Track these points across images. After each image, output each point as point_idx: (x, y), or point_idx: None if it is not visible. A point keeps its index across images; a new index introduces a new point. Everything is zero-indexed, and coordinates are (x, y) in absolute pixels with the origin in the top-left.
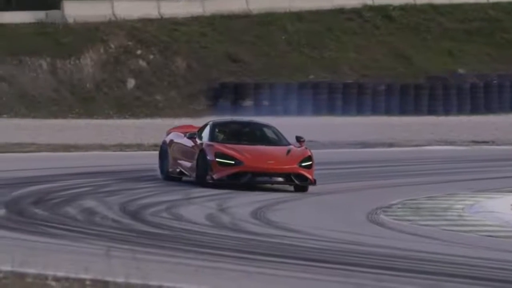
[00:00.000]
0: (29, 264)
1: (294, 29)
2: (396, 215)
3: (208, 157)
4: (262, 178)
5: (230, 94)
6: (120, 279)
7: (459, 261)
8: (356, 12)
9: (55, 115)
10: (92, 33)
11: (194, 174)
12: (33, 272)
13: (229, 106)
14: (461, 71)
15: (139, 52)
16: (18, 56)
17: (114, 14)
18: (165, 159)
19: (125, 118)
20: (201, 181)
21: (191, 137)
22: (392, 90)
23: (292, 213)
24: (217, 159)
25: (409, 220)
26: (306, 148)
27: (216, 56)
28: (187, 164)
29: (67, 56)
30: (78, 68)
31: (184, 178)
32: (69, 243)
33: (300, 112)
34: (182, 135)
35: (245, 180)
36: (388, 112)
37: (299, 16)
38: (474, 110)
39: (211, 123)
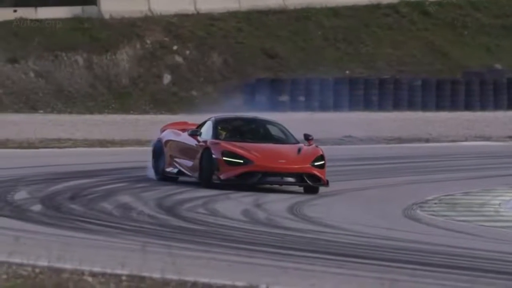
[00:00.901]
0: (65, 260)
1: (330, 25)
2: (432, 211)
3: (214, 156)
4: (273, 178)
5: (266, 89)
6: (156, 275)
7: (495, 256)
8: (393, 8)
9: (91, 111)
10: (128, 28)
11: (196, 174)
12: (69, 267)
13: (265, 102)
14: (497, 66)
15: (175, 47)
16: (54, 51)
17: (150, 10)
18: (160, 158)
19: (161, 113)
20: (206, 182)
21: (194, 134)
22: (428, 86)
23: (328, 209)
24: (224, 158)
25: (445, 216)
26: (317, 146)
27: (252, 52)
28: (188, 163)
29: (103, 51)
30: (114, 64)
31: (182, 178)
32: (105, 239)
33: (336, 107)
34: (180, 132)
35: (254, 180)
36: (424, 107)
37: (335, 12)
38: (511, 106)
39: (213, 119)
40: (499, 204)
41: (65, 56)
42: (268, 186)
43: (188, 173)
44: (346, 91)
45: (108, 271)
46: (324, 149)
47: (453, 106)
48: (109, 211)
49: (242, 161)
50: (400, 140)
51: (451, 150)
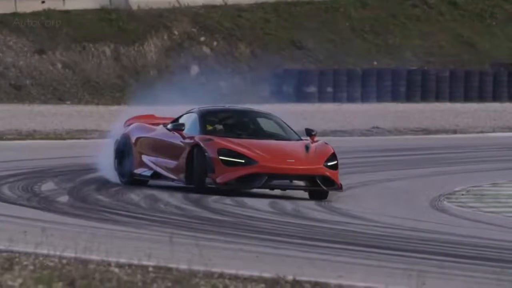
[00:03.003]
0: (92, 251)
1: (358, 16)
2: (460, 202)
3: (208, 155)
4: (280, 181)
5: (294, 80)
6: (183, 266)
7: None
8: None
9: (118, 102)
10: (155, 19)
11: (182, 176)
12: (96, 258)
13: (292, 93)
14: None
15: (202, 38)
16: (82, 43)
17: (178, 1)
18: (127, 157)
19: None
20: (197, 185)
21: (177, 129)
22: (456, 77)
23: (356, 200)
24: (221, 157)
25: (472, 207)
26: (325, 143)
27: (280, 43)
28: (170, 163)
29: (130, 42)
30: (142, 55)
31: (154, 182)
32: (132, 230)
33: (364, 98)
34: (153, 127)
35: (259, 184)
36: (451, 98)
37: (363, 3)
38: None
39: (197, 111)
40: None
41: (93, 47)
42: None
43: (169, 176)
44: (373, 82)
45: (135, 262)
46: (352, 140)
47: (481, 97)
48: (136, 202)
49: (243, 161)
50: (427, 131)
51: (478, 141)
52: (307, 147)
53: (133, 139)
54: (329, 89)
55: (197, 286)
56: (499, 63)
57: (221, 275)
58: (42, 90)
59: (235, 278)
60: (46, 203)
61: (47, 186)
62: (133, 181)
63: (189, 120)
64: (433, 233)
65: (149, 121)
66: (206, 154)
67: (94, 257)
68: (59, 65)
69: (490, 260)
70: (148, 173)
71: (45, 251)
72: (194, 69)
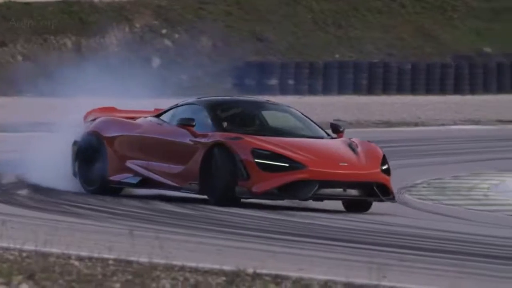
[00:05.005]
0: (52, 244)
1: (320, 8)
2: (421, 195)
3: (238, 157)
4: (333, 190)
5: (256, 73)
6: (143, 259)
7: (483, 240)
8: None
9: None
10: (117, 12)
11: (193, 185)
12: (56, 251)
13: (254, 85)
14: (487, 50)
15: (164, 31)
16: (43, 35)
17: None
18: (97, 161)
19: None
20: (220, 196)
21: (185, 124)
22: (418, 69)
23: None
24: (257, 160)
25: (433, 200)
26: (368, 141)
27: (242, 35)
28: (172, 168)
29: (92, 35)
30: (103, 47)
31: (132, 190)
32: (93, 223)
33: (325, 91)
34: (134, 121)
35: (308, 194)
36: (413, 91)
37: None
38: (500, 89)
39: (202, 103)
40: (488, 188)
41: (54, 39)
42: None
43: (169, 183)
44: (335, 74)
45: (95, 255)
46: None
47: (443, 89)
48: (97, 196)
49: (287, 165)
50: (389, 124)
51: (440, 134)
52: (351, 147)
53: (106, 138)
54: (291, 82)
55: (158, 279)
56: (460, 55)
57: (182, 268)
58: (1, 82)
59: (195, 271)
60: (6, 196)
61: (7, 179)
62: (105, 190)
63: (191, 114)
64: (394, 226)
65: (115, 114)
66: (235, 156)
67: (54, 250)
68: (19, 57)
69: (451, 253)
70: (133, 180)
71: (5, 244)
72: (156, 61)
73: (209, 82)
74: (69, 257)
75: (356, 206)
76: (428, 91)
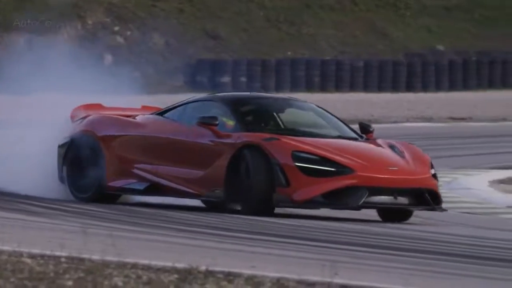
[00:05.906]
0: (4, 241)
1: (272, 5)
2: None
3: (275, 161)
4: (383, 198)
5: (208, 70)
6: (96, 256)
7: (434, 238)
8: None
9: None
10: (69, 9)
11: (217, 192)
12: (8, 249)
13: (206, 83)
14: (439, 47)
15: (116, 28)
16: None
17: None
18: (92, 165)
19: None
20: (254, 204)
21: (207, 123)
22: (370, 67)
23: None
24: (297, 164)
25: None
26: (409, 143)
27: (194, 33)
28: (189, 173)
29: (44, 32)
30: (55, 44)
31: (127, 197)
32: (45, 221)
33: (278, 88)
34: (135, 120)
35: (357, 202)
36: (366, 88)
37: None
38: (452, 87)
39: (223, 99)
40: (440, 186)
41: (6, 37)
42: None
43: (186, 190)
44: (287, 72)
45: (47, 252)
46: None
47: (395, 87)
48: (50, 193)
49: (334, 169)
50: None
51: (392, 131)
52: (394, 150)
53: (102, 138)
54: (243, 79)
55: (110, 276)
56: (412, 53)
57: (134, 266)
58: None
59: (148, 268)
60: None
61: None
62: (101, 197)
63: (206, 112)
64: (346, 223)
65: (102, 111)
66: (271, 159)
67: (6, 247)
68: None
69: (402, 250)
70: (139, 186)
71: None
72: (108, 58)
73: (161, 80)
74: (21, 254)
75: (396, 214)
76: (381, 88)
